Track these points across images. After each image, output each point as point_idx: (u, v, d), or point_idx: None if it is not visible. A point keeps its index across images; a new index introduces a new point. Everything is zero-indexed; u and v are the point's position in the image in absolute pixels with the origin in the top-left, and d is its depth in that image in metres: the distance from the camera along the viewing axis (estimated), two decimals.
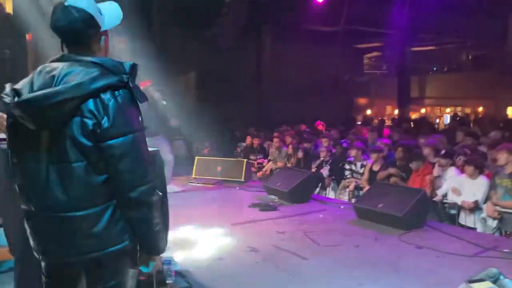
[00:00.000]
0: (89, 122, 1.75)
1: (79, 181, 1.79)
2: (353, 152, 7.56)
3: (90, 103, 1.76)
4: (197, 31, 11.99)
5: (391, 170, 6.75)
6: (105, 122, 1.75)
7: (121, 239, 1.87)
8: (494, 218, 5.47)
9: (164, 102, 6.97)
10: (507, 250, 4.59)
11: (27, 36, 7.79)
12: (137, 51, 10.45)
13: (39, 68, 1.89)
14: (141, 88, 7.04)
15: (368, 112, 21.29)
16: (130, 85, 1.81)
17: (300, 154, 8.43)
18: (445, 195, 6.03)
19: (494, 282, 1.40)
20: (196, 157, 9.00)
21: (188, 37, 11.91)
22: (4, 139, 3.57)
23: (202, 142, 10.67)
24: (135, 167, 1.80)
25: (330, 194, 7.88)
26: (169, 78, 12.26)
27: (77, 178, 1.79)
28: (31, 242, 1.96)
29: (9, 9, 8.55)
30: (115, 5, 2.03)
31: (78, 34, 1.87)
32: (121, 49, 7.71)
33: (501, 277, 1.35)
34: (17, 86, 1.84)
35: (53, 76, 1.80)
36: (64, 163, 1.79)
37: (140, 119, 1.87)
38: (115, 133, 1.76)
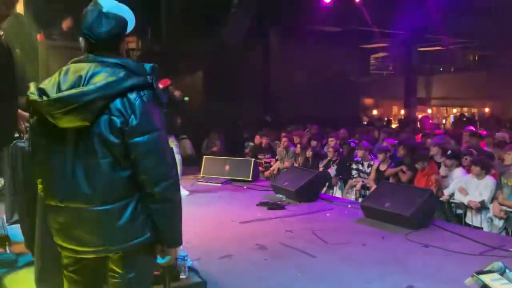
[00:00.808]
0: (117, 120, 1.84)
1: (104, 176, 1.88)
2: (360, 153, 7.61)
3: (118, 102, 1.85)
4: (205, 30, 12.05)
5: (402, 167, 6.79)
6: (132, 120, 1.85)
7: (143, 232, 1.95)
8: (500, 218, 5.51)
9: (187, 98, 7.21)
10: None
11: (38, 36, 7.90)
12: (145, 51, 10.56)
13: (64, 68, 1.97)
14: (161, 87, 6.88)
15: (374, 112, 21.29)
16: (154, 85, 1.90)
17: (309, 153, 8.49)
18: (452, 195, 6.07)
19: (500, 275, 1.46)
20: (204, 156, 9.08)
21: (196, 36, 11.97)
22: (20, 138, 3.67)
23: (211, 140, 10.75)
24: (159, 163, 1.90)
25: (337, 193, 7.94)
26: (177, 77, 12.38)
27: (102, 173, 1.87)
28: (55, 236, 2.04)
29: (19, 9, 8.66)
30: (128, 9, 2.11)
31: (115, 39, 1.98)
32: (131, 48, 7.80)
33: (507, 270, 1.40)
34: (42, 85, 1.93)
35: (81, 76, 1.89)
36: (91, 159, 1.87)
37: (163, 118, 1.96)
38: (141, 131, 1.86)
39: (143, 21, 10.63)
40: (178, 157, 7.01)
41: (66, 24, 8.13)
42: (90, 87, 1.82)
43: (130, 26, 2.11)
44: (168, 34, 12.17)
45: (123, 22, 1.99)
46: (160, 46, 11.77)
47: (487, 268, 1.41)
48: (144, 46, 11.20)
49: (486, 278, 1.38)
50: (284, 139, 9.25)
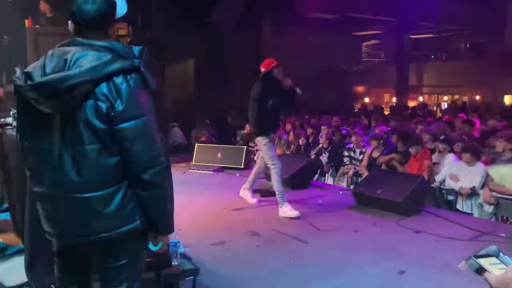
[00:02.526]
0: (103, 105, 1.80)
1: (92, 162, 1.83)
2: (354, 139, 7.61)
3: (104, 87, 1.80)
4: (196, 18, 11.95)
5: (393, 155, 6.82)
6: (118, 105, 1.80)
7: (132, 219, 1.92)
8: (490, 204, 5.55)
9: (299, 92, 5.66)
10: (503, 235, 4.68)
11: (27, 22, 7.78)
12: (136, 38, 10.43)
13: (50, 52, 1.92)
14: (264, 69, 5.37)
15: (366, 100, 21.32)
16: (142, 69, 1.85)
17: (302, 141, 8.48)
18: (443, 181, 6.11)
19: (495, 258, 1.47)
20: (196, 144, 9.05)
21: (187, 24, 11.86)
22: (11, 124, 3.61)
23: (200, 129, 10.71)
24: (147, 149, 1.85)
25: (329, 180, 7.95)
26: (167, 65, 12.27)
27: (90, 160, 1.83)
28: (43, 223, 2.01)
29: None
30: None
31: (103, 19, 1.93)
32: (121, 35, 7.66)
33: (501, 253, 1.40)
34: (28, 69, 1.88)
35: (66, 60, 1.84)
36: (78, 145, 1.83)
37: (151, 103, 1.91)
38: (128, 116, 1.81)
39: (134, 8, 10.51)
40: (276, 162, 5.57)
41: (42, 7, 8.03)
42: (75, 71, 1.78)
43: (122, 11, 2.06)
44: (159, 22, 12.04)
45: (111, 3, 1.95)
46: (151, 34, 11.65)
47: (482, 252, 1.40)
48: (135, 33, 11.07)
49: (485, 262, 1.37)
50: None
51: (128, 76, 1.83)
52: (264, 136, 5.43)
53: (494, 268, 1.36)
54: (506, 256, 1.41)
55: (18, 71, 1.88)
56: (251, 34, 14.15)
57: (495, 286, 1.29)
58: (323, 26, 15.10)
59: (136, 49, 1.92)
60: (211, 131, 10.80)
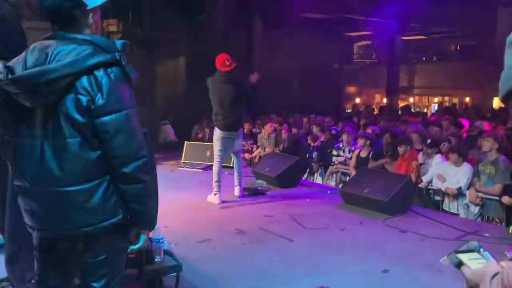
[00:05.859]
0: (83, 99, 1.78)
1: (73, 156, 1.83)
2: (345, 138, 7.63)
3: (84, 80, 1.79)
4: (187, 16, 11.92)
5: (387, 160, 6.84)
6: (99, 99, 1.79)
7: (114, 214, 1.92)
8: (476, 204, 5.60)
9: None
10: (488, 235, 4.72)
11: None
12: (126, 35, 10.39)
13: (31, 46, 1.90)
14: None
15: (357, 100, 21.40)
16: (123, 62, 1.85)
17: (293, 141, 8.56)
18: (430, 182, 6.15)
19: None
20: (185, 142, 9.03)
21: (178, 22, 11.83)
22: None
23: (201, 127, 10.69)
24: (128, 143, 1.84)
25: (318, 179, 7.98)
26: (158, 63, 12.23)
27: (71, 154, 1.82)
28: (25, 217, 2.00)
29: None
30: None
31: (65, 14, 1.88)
32: (111, 31, 7.62)
33: (481, 249, 1.42)
34: (10, 63, 1.87)
35: (47, 54, 1.82)
36: (59, 139, 1.82)
37: (132, 96, 1.90)
38: (108, 110, 1.80)
39: (125, 5, 10.46)
40: None
41: None
42: (54, 65, 1.77)
43: (96, 1, 1.99)
44: (150, 19, 11.99)
45: None
46: (142, 31, 11.61)
47: (463, 247, 1.41)
48: (125, 30, 11.02)
49: (464, 257, 1.38)
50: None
51: (109, 70, 1.82)
52: None
53: (472, 262, 1.37)
54: (487, 252, 1.42)
55: (0, 65, 1.86)
56: (242, 33, 14.14)
57: (469, 279, 1.30)
58: (314, 26, 15.13)
59: (119, 43, 1.90)
60: (209, 129, 10.79)
